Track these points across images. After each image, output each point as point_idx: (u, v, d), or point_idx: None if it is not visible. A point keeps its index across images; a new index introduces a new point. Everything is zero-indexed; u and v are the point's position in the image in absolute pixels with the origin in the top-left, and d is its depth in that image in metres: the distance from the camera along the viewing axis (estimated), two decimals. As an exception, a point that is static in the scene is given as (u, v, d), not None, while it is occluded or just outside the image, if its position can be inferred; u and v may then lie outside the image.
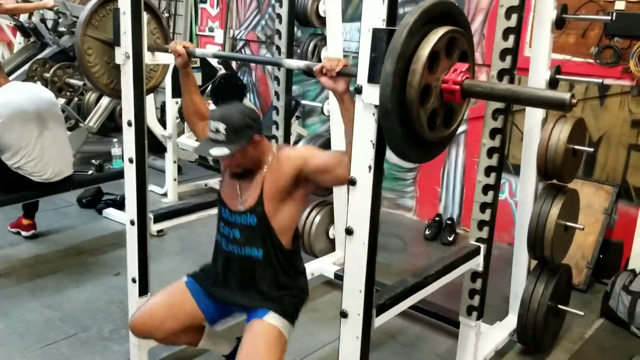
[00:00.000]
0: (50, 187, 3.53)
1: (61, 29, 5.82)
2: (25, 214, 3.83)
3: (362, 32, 1.59)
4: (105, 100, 5.42)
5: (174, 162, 4.67)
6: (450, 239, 4.21)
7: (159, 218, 2.54)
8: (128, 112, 2.31)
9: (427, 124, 1.55)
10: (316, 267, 3.40)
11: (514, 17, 2.17)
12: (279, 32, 2.88)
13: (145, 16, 2.29)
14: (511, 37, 2.17)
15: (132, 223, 2.43)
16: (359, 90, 1.61)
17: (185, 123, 4.80)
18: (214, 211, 2.41)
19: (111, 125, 5.73)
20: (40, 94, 3.56)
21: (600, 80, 3.30)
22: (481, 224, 2.41)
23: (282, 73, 2.91)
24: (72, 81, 5.00)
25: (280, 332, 2.03)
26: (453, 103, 1.61)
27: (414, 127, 1.53)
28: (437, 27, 1.54)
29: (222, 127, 1.92)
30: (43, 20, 5.91)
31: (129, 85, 2.27)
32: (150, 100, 4.93)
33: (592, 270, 3.58)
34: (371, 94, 1.58)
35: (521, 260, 2.88)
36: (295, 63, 1.96)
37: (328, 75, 1.73)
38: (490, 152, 2.33)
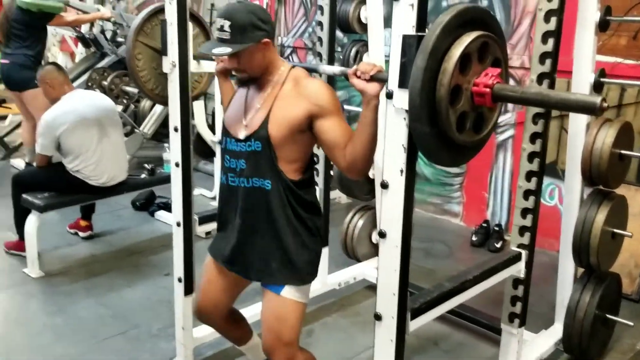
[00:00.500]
0: (106, 190, 3.69)
1: (119, 39, 6.09)
2: (83, 215, 4.03)
3: (393, 38, 1.62)
4: (159, 107, 5.63)
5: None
6: (498, 245, 4.15)
7: (204, 220, 2.63)
8: (174, 119, 2.41)
9: (456, 125, 1.56)
10: (359, 272, 3.43)
11: (553, 20, 2.15)
12: (320, 39, 2.93)
13: (191, 26, 2.39)
14: (550, 41, 2.15)
15: (178, 225, 2.53)
16: (389, 95, 1.64)
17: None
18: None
19: (165, 132, 5.91)
20: (102, 102, 3.73)
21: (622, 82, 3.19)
22: (522, 230, 2.39)
23: (324, 79, 2.95)
24: (128, 89, 5.22)
25: (299, 304, 1.95)
26: (484, 108, 1.62)
27: (442, 128, 1.55)
28: (470, 31, 1.55)
29: (227, 24, 1.77)
30: (102, 32, 6.20)
31: (175, 92, 2.37)
32: (200, 106, 5.09)
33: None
34: (402, 99, 1.60)
35: (567, 267, 2.82)
36: (331, 69, 2.00)
37: (361, 78, 1.75)
38: (531, 156, 2.30)
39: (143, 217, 4.55)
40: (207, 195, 4.95)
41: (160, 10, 2.59)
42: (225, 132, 1.98)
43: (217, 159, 4.83)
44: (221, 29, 1.78)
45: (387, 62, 3.30)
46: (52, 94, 3.58)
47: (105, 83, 5.08)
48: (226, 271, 2.07)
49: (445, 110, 1.51)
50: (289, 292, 1.93)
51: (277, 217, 1.90)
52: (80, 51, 7.10)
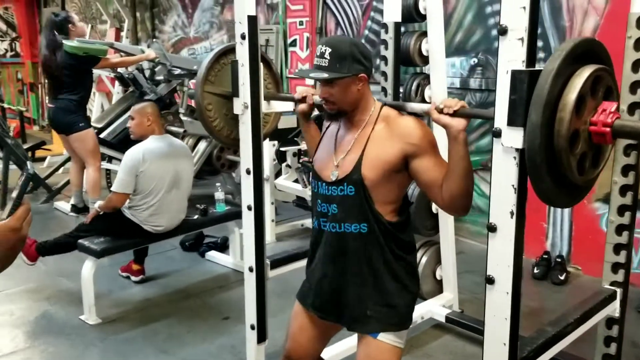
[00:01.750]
0: (159, 234, 3.65)
1: (158, 77, 6.13)
2: (136, 259, 3.97)
3: (500, 74, 1.54)
4: (202, 145, 5.61)
5: (272, 203, 4.73)
6: (562, 277, 3.99)
7: (275, 264, 2.55)
8: (247, 161, 2.35)
9: (577, 169, 1.48)
10: (425, 310, 3.30)
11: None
12: (384, 74, 2.87)
13: (262, 66, 2.35)
14: (643, 69, 2.06)
15: (250, 270, 2.45)
16: (497, 134, 1.56)
17: (283, 164, 4.89)
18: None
19: (207, 169, 5.91)
20: (185, 152, 3.76)
21: None
22: (616, 267, 2.26)
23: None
24: (173, 128, 5.22)
25: (397, 349, 1.85)
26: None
27: (563, 175, 1.47)
28: (579, 67, 1.47)
29: (327, 51, 1.74)
30: (141, 70, 6.24)
31: (247, 134, 2.32)
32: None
33: None
34: (511, 138, 1.52)
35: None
36: (419, 107, 1.93)
37: (445, 113, 1.69)
38: (623, 190, 2.19)
39: (193, 258, 4.48)
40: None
41: (222, 55, 2.57)
42: (316, 175, 1.91)
43: (266, 196, 4.77)
44: (321, 55, 1.75)
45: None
46: (142, 129, 3.55)
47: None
48: (317, 319, 1.98)
49: (566, 159, 1.44)
50: (387, 337, 1.84)
51: (375, 262, 1.82)
52: (117, 91, 7.18)
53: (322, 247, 1.91)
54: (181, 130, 5.17)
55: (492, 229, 1.60)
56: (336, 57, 1.73)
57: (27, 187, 1.13)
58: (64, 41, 4.77)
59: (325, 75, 1.73)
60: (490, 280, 1.63)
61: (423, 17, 3.09)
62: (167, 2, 8.10)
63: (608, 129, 1.44)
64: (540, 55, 4.10)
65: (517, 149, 1.52)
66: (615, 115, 1.46)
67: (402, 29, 2.95)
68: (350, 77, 1.76)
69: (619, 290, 2.25)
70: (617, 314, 2.26)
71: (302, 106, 2.08)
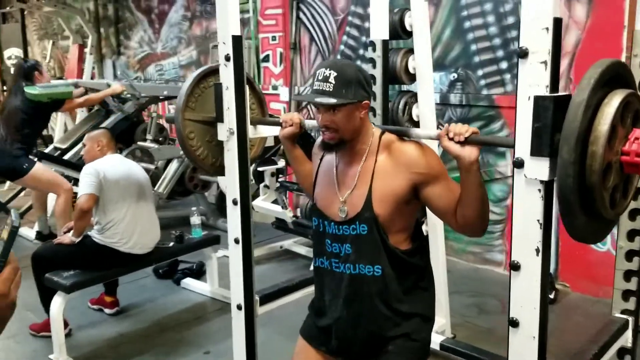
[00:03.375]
0: (134, 259, 3.44)
1: (124, 96, 5.90)
2: (107, 290, 3.73)
3: (520, 100, 1.42)
4: (174, 165, 5.39)
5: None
6: (551, 296, 3.90)
7: (265, 300, 2.37)
8: (233, 190, 2.18)
9: (609, 203, 1.37)
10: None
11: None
12: (373, 94, 2.74)
13: (247, 89, 2.18)
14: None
15: (239, 308, 2.28)
16: (519, 164, 1.43)
17: (261, 185, 4.70)
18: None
19: (179, 190, 5.68)
20: (140, 170, 3.65)
21: None
22: (626, 294, 2.15)
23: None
24: (143, 165, 5.01)
25: None
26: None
27: (596, 210, 1.36)
28: (607, 92, 1.36)
29: (332, 75, 1.63)
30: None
31: (233, 162, 2.16)
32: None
33: None
34: (536, 169, 1.40)
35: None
36: (425, 133, 1.79)
37: (455, 140, 1.56)
38: (633, 214, 2.09)
39: (168, 286, 4.24)
40: (231, 257, 4.68)
41: (202, 78, 2.39)
42: (320, 213, 1.79)
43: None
44: (325, 79, 1.63)
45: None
46: (95, 154, 3.48)
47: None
48: (327, 356, 1.87)
49: (600, 194, 1.33)
50: None
51: (392, 302, 1.72)
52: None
53: (335, 289, 1.79)
54: (152, 166, 4.97)
55: (515, 267, 1.47)
56: (342, 82, 1.63)
57: (13, 242, 0.93)
58: (26, 88, 4.50)
59: (332, 100, 1.62)
60: (514, 323, 1.49)
61: (409, 34, 2.98)
62: (133, 18, 7.86)
63: None
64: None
65: (541, 181, 1.40)
66: None
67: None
68: (354, 104, 1.66)
69: (630, 319, 2.14)
70: (629, 344, 2.16)
71: (290, 129, 1.96)
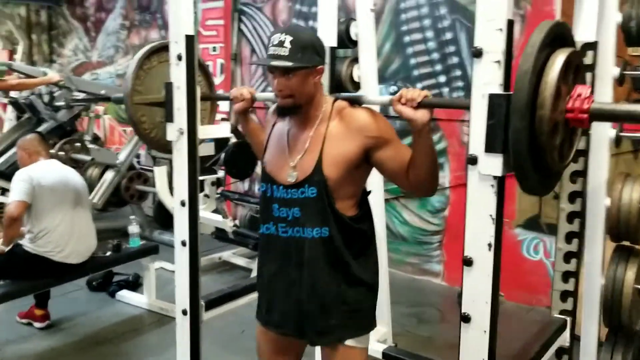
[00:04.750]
0: (68, 270, 3.29)
1: (58, 103, 5.67)
2: (38, 303, 3.54)
3: (475, 97, 1.46)
4: (109, 175, 5.21)
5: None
6: (488, 304, 4.00)
7: (210, 305, 2.32)
8: (181, 191, 2.13)
9: (559, 158, 1.45)
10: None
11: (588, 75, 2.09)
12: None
13: (199, 89, 2.15)
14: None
15: (184, 313, 2.21)
16: (473, 161, 1.47)
17: (200, 194, 4.62)
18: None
19: (114, 200, 5.49)
20: (76, 175, 3.53)
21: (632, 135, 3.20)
22: (565, 295, 2.24)
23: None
24: (78, 156, 4.82)
25: (363, 350, 1.80)
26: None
27: (547, 167, 1.44)
28: (548, 55, 1.41)
29: (288, 39, 1.63)
30: (39, 95, 5.75)
31: (182, 162, 2.11)
32: (163, 171, 4.74)
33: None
34: (490, 165, 1.44)
35: (591, 330, 2.67)
36: (379, 99, 1.85)
37: (408, 105, 1.61)
38: (571, 217, 2.19)
39: (102, 299, 4.07)
40: (169, 269, 4.54)
41: (146, 59, 2.37)
42: (269, 178, 1.79)
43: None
44: (280, 44, 1.64)
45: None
46: (26, 161, 3.35)
47: (52, 151, 4.63)
48: (285, 345, 1.86)
49: (550, 153, 1.40)
50: (353, 342, 1.76)
51: (337, 268, 1.73)
52: (9, 117, 6.55)
53: (279, 255, 1.78)
54: (88, 158, 4.77)
55: (468, 262, 1.50)
56: (297, 47, 1.63)
57: None
58: None
59: (288, 63, 1.62)
60: (466, 319, 1.52)
61: (354, 43, 3.03)
62: (67, 25, 7.61)
63: (585, 115, 1.40)
64: (460, 84, 4.19)
65: (494, 177, 1.44)
66: (590, 99, 1.41)
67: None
68: (309, 69, 1.67)
69: (568, 319, 2.23)
70: (567, 344, 2.24)
71: (242, 104, 1.97)
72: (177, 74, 2.05)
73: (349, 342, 1.75)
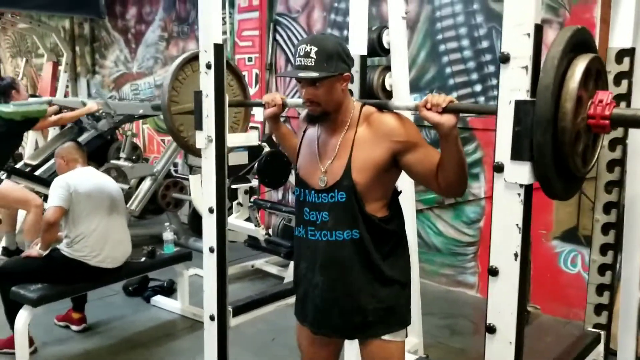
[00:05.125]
0: (104, 274, 3.36)
1: (102, 128, 5.84)
2: (75, 306, 3.63)
3: (501, 104, 1.44)
4: (146, 183, 5.32)
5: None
6: (523, 317, 3.91)
7: (238, 311, 2.33)
8: (210, 199, 2.16)
9: (582, 164, 1.45)
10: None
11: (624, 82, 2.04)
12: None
13: (227, 96, 2.18)
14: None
15: (211, 318, 2.23)
16: (499, 169, 1.44)
17: (234, 203, 4.67)
18: (292, 299, 2.22)
19: (152, 208, 5.60)
20: (113, 183, 3.60)
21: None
22: (599, 308, 2.17)
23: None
24: (120, 163, 4.94)
25: (401, 343, 1.85)
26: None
27: (570, 172, 1.44)
28: (569, 64, 1.40)
29: (313, 50, 1.69)
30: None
31: (211, 169, 2.14)
32: (196, 179, 4.81)
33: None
34: (516, 173, 1.41)
35: (628, 345, 2.59)
36: (405, 104, 1.87)
37: (434, 110, 1.61)
38: (606, 228, 2.13)
39: (138, 303, 4.15)
40: (202, 275, 4.59)
41: (179, 72, 2.42)
42: (302, 182, 1.85)
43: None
44: (306, 55, 1.69)
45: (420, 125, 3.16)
46: (64, 169, 3.45)
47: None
48: (324, 341, 1.93)
49: (573, 161, 1.41)
50: (390, 336, 1.82)
51: (369, 268, 1.77)
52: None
53: (311, 256, 1.83)
54: (126, 187, 4.90)
55: (493, 272, 1.47)
56: (323, 56, 1.68)
57: None
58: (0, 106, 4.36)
59: (315, 74, 1.67)
60: (491, 329, 1.48)
61: (386, 52, 3.02)
62: (109, 37, 7.82)
63: (607, 121, 1.38)
64: (496, 93, 4.13)
65: (521, 185, 1.41)
66: (612, 105, 1.39)
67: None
68: (336, 77, 1.72)
69: (602, 333, 2.16)
70: (601, 358, 2.17)
71: (272, 109, 2.03)
72: (206, 82, 2.08)
73: (386, 337, 1.80)
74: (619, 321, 2.62)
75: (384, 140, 1.71)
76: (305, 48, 1.69)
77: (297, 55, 1.72)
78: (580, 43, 1.44)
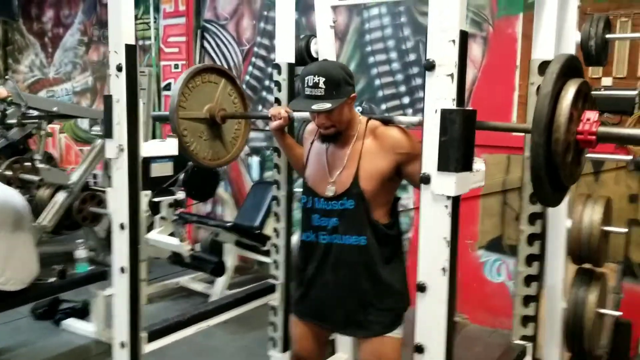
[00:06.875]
0: (8, 296, 3.07)
1: (10, 120, 5.43)
2: (-25, 332, 3.32)
3: (427, 113, 1.38)
4: (61, 196, 4.98)
5: (143, 260, 4.24)
6: (451, 329, 3.92)
7: (153, 336, 2.16)
8: (121, 213, 1.99)
9: (570, 174, 1.52)
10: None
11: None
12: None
13: (141, 104, 2.02)
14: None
15: (122, 345, 2.05)
16: (425, 180, 1.38)
17: (156, 217, 4.44)
18: (215, 320, 2.08)
19: (67, 223, 5.26)
20: (15, 196, 3.29)
21: (593, 156, 3.19)
22: (525, 320, 2.16)
23: (283, 160, 2.65)
24: (26, 177, 4.59)
25: (398, 340, 1.99)
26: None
27: (560, 182, 1.52)
28: (562, 84, 1.47)
29: (321, 80, 1.83)
30: (-10, 113, 5.51)
31: (122, 182, 1.98)
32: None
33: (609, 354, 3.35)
34: (443, 184, 1.35)
35: (553, 356, 2.61)
36: (408, 119, 2.03)
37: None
38: (531, 239, 2.12)
39: (47, 328, 3.82)
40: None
41: (191, 78, 2.42)
42: (311, 191, 2.02)
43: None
44: (315, 85, 1.83)
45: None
46: None
47: (-1, 171, 4.43)
48: (316, 333, 2.12)
49: (563, 169, 1.47)
50: (389, 333, 1.97)
51: (374, 273, 1.93)
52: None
53: (323, 257, 1.99)
54: (36, 178, 4.55)
55: (421, 288, 1.40)
56: (331, 85, 1.83)
57: None
58: None
59: (328, 105, 1.82)
60: (420, 349, 1.41)
61: (314, 60, 2.95)
62: (23, 40, 7.39)
63: (594, 137, 1.46)
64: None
65: (448, 197, 1.35)
66: (597, 123, 1.47)
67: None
68: (345, 100, 1.87)
69: (529, 345, 2.14)
70: (528, 372, 2.14)
71: (279, 122, 2.15)
72: (117, 85, 1.92)
73: (385, 334, 1.96)
74: (544, 331, 2.65)
75: (389, 152, 1.89)
76: (313, 79, 1.83)
77: (305, 85, 1.85)
78: (573, 68, 1.54)
